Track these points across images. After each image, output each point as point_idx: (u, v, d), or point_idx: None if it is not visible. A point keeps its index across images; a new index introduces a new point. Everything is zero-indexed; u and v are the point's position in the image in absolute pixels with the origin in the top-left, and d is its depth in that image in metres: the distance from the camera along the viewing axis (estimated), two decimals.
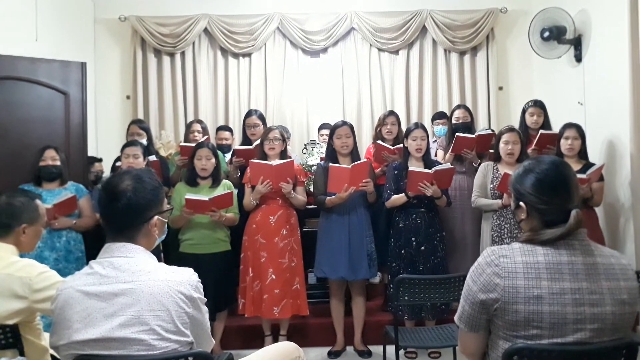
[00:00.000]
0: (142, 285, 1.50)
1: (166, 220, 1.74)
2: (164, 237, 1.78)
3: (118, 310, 1.48)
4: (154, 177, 1.68)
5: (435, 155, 4.40)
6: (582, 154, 3.76)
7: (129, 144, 3.77)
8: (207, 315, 1.65)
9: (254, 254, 3.66)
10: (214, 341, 1.78)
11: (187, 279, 1.56)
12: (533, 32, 4.66)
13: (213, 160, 3.70)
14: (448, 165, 3.70)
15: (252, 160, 3.67)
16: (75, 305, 1.50)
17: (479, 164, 4.02)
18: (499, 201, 3.60)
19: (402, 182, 3.68)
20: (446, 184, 3.67)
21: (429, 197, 3.60)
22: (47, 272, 2.03)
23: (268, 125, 4.32)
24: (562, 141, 3.74)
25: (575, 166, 3.60)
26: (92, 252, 3.72)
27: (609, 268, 1.49)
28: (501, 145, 3.71)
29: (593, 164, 3.70)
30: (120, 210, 1.58)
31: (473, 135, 4.09)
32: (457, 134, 4.04)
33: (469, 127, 4.27)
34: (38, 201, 2.25)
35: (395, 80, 5.77)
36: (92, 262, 1.58)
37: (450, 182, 3.73)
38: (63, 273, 2.88)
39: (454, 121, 4.33)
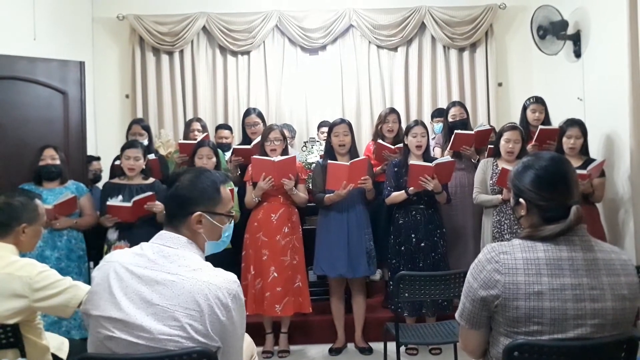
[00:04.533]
0: (184, 281, 1.49)
1: (221, 226, 1.69)
2: (223, 245, 1.76)
3: (155, 298, 1.47)
4: (214, 178, 1.68)
5: (433, 153, 4.40)
6: (583, 150, 3.76)
7: (129, 145, 3.74)
8: (241, 332, 1.58)
9: (255, 252, 3.66)
10: None
11: (226, 285, 1.52)
12: (533, 29, 4.66)
13: (214, 159, 3.71)
14: (448, 158, 3.70)
15: (254, 157, 3.65)
16: (119, 280, 1.51)
17: (478, 160, 4.02)
18: (499, 196, 3.61)
19: (402, 179, 3.68)
20: (446, 178, 3.67)
21: (428, 193, 3.60)
22: (47, 271, 2.03)
23: (268, 124, 4.31)
24: (565, 139, 3.73)
25: (576, 162, 3.60)
26: (93, 251, 3.74)
27: (610, 263, 1.48)
28: (502, 143, 3.71)
29: (594, 160, 3.70)
30: (168, 197, 1.68)
31: (472, 132, 4.09)
32: (456, 131, 4.03)
33: (465, 123, 4.27)
34: (37, 201, 2.25)
35: (394, 77, 5.77)
36: (143, 244, 1.60)
37: (451, 176, 3.73)
38: (65, 272, 2.88)
39: (450, 119, 4.32)
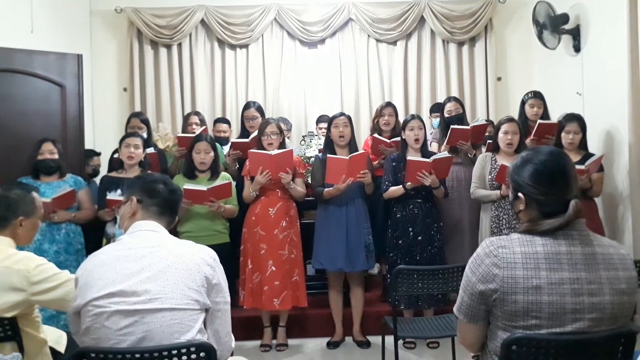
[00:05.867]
0: (168, 247, 1.66)
1: None
2: None
3: (145, 267, 1.59)
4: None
5: (430, 147, 4.39)
6: (582, 145, 3.76)
7: (129, 134, 3.77)
8: (228, 296, 1.73)
9: (253, 246, 3.66)
10: (233, 338, 1.81)
11: (206, 250, 1.72)
12: (534, 23, 4.65)
13: (212, 153, 3.70)
14: (446, 154, 3.70)
15: (251, 150, 3.65)
16: (103, 265, 1.61)
17: (475, 155, 4.02)
18: (498, 192, 3.60)
19: (400, 174, 3.68)
20: (444, 173, 3.67)
21: (426, 187, 3.61)
22: (44, 264, 2.03)
23: (266, 117, 4.30)
24: (564, 134, 3.73)
25: (575, 157, 3.60)
26: (91, 245, 3.74)
27: (608, 258, 1.48)
28: (500, 135, 3.71)
29: (593, 155, 3.70)
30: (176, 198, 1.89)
31: (468, 127, 4.09)
32: (452, 126, 4.03)
33: (461, 118, 4.26)
34: (34, 194, 2.24)
35: (393, 71, 5.75)
36: (119, 237, 1.74)
37: (448, 171, 3.73)
38: (63, 265, 2.88)
39: (446, 114, 4.30)
